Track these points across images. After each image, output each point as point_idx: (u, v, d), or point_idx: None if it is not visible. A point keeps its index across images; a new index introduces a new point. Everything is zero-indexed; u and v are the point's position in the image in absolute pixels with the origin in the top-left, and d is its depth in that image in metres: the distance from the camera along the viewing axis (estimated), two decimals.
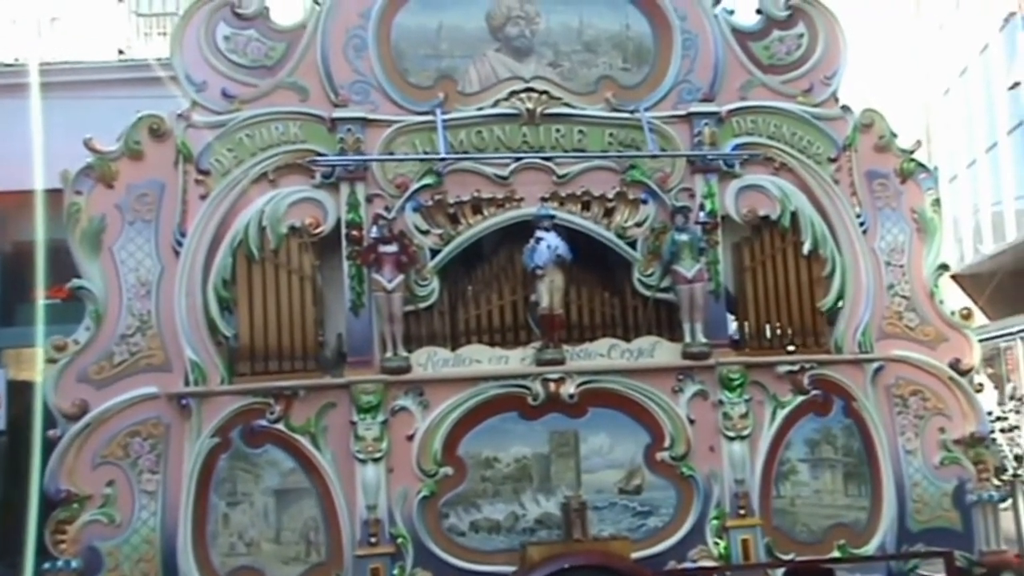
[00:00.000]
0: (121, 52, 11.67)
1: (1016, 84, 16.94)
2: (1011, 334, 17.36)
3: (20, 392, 9.50)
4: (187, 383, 5.14)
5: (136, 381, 5.12)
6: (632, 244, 5.68)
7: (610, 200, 5.67)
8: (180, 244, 5.26)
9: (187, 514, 5.01)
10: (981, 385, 6.00)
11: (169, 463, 5.06)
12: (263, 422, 5.15)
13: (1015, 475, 6.78)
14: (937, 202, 6.04)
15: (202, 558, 5.01)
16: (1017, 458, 6.99)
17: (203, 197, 5.33)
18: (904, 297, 5.85)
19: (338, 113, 5.48)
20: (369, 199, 5.43)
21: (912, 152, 6.04)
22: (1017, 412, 10.30)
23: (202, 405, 5.12)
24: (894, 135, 6.02)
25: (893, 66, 19.63)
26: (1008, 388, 13.99)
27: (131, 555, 4.96)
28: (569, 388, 5.35)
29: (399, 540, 5.13)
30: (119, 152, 5.30)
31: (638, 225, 5.68)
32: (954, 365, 5.82)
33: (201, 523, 5.03)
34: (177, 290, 5.22)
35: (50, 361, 5.08)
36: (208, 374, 5.17)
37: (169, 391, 5.11)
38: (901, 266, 5.88)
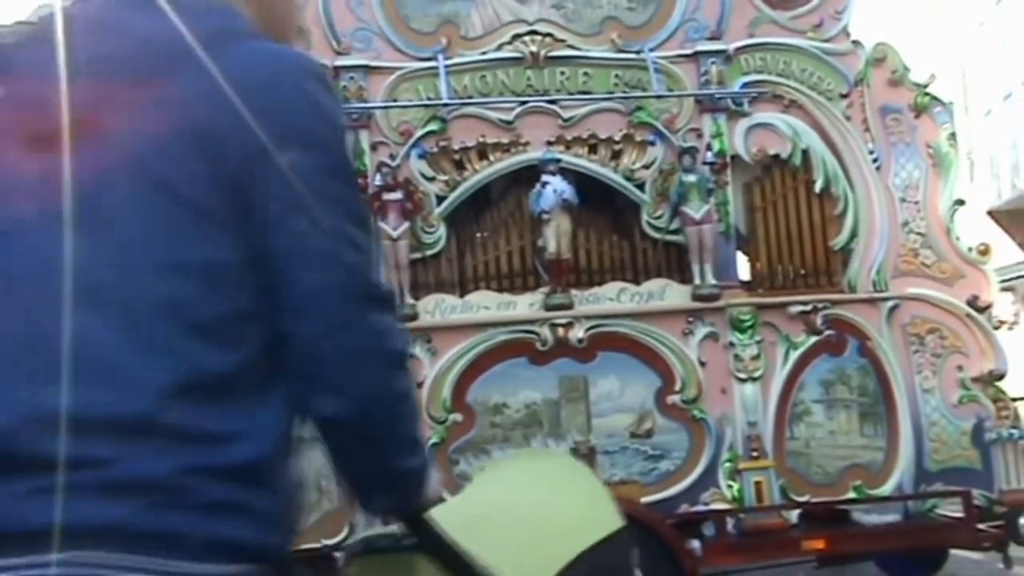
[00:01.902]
0: None
1: None
2: None
3: None
4: None
5: None
6: (640, 186, 5.61)
7: (617, 142, 5.60)
8: None
9: None
10: (1001, 322, 5.90)
11: None
12: None
13: None
14: (953, 136, 5.89)
15: None
16: None
17: None
18: (919, 234, 5.74)
19: (340, 61, 5.44)
20: (373, 147, 5.41)
21: (926, 86, 5.89)
22: None
23: None
24: (907, 69, 5.87)
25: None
26: None
27: None
28: (578, 332, 5.33)
29: None
30: None
31: (646, 167, 5.61)
32: (971, 302, 5.71)
33: None
34: None
35: None
36: None
37: None
38: (916, 202, 5.76)
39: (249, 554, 1.09)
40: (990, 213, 19.34)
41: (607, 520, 1.85)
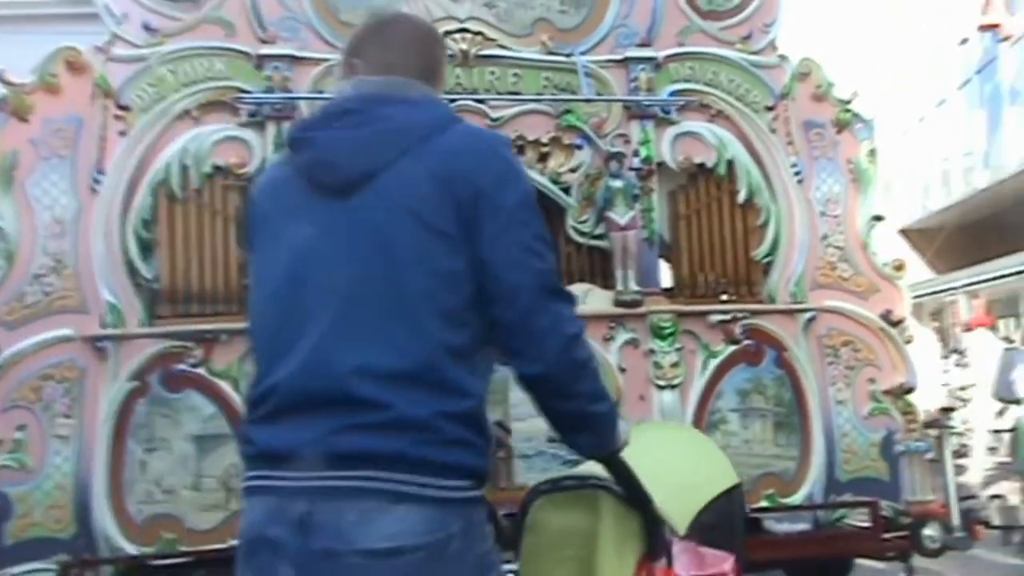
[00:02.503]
0: None
1: (965, 40, 17.02)
2: (956, 288, 17.63)
3: None
4: (103, 326, 4.98)
5: (50, 323, 4.94)
6: (566, 190, 5.59)
7: (544, 145, 5.56)
8: (98, 182, 5.07)
9: (103, 460, 4.88)
10: (912, 336, 6.03)
11: (84, 408, 4.91)
12: (183, 366, 5.02)
13: (943, 425, 6.86)
14: (873, 152, 6.00)
15: (117, 505, 4.88)
16: (944, 409, 7.05)
17: (123, 134, 5.13)
18: (838, 248, 5.82)
19: (266, 50, 5.29)
20: None
21: (849, 102, 5.98)
22: (958, 365, 10.46)
23: (119, 348, 4.97)
24: (831, 84, 5.95)
25: (846, 21, 19.61)
26: (952, 342, 14.23)
27: (43, 501, 4.82)
28: None
29: None
30: (34, 85, 5.08)
31: (572, 171, 5.59)
32: (885, 316, 5.82)
33: (117, 470, 4.91)
34: (95, 229, 5.04)
35: None
36: (126, 317, 5.02)
37: (85, 333, 4.96)
38: (836, 216, 5.85)
39: (472, 475, 1.71)
40: (903, 232, 19.90)
41: (726, 476, 2.49)
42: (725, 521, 2.38)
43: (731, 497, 2.39)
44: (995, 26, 15.20)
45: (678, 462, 2.34)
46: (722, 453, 2.38)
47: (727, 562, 2.30)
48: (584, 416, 1.88)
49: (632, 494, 2.09)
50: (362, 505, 1.62)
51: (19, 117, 5.04)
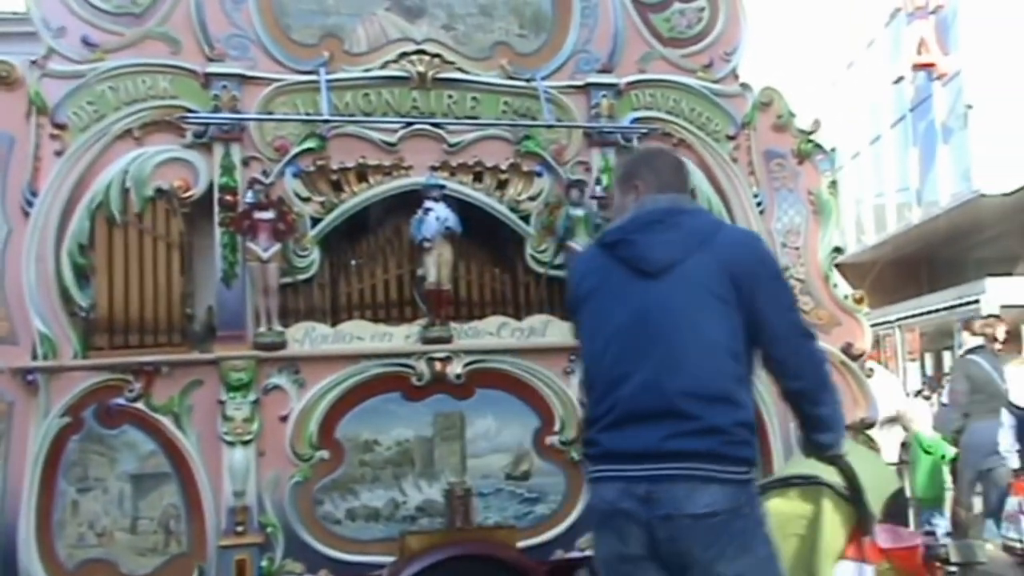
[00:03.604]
0: None
1: (900, 78, 17.37)
2: (890, 322, 17.87)
3: None
4: (35, 357, 4.65)
5: None
6: (525, 218, 5.42)
7: (503, 171, 5.40)
8: (31, 204, 4.76)
9: (31, 502, 4.53)
10: (871, 370, 5.97)
11: (11, 445, 4.57)
12: (121, 400, 4.72)
13: (900, 461, 6.81)
14: (834, 184, 5.96)
15: (46, 550, 4.54)
16: (903, 444, 7.03)
17: (58, 153, 4.84)
18: (799, 280, 5.74)
19: (213, 68, 5.04)
20: (245, 162, 5.03)
21: (810, 133, 5.95)
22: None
23: (51, 381, 4.65)
24: (792, 115, 5.92)
25: (784, 55, 19.91)
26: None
27: None
28: (456, 368, 5.07)
29: (268, 529, 4.77)
30: None
31: (532, 199, 5.43)
32: (846, 350, 5.74)
33: (46, 512, 4.56)
34: (26, 255, 4.71)
35: None
36: (59, 347, 4.69)
37: (13, 365, 4.62)
38: (797, 248, 5.78)
39: (752, 464, 2.55)
40: (837, 266, 20.14)
41: (895, 481, 3.66)
42: (900, 512, 3.41)
43: (900, 495, 3.43)
44: (930, 65, 15.53)
45: (864, 467, 3.00)
46: (885, 463, 3.29)
47: (918, 538, 3.36)
48: (827, 418, 2.71)
49: (850, 486, 2.96)
50: (687, 485, 2.46)
51: None
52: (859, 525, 3.07)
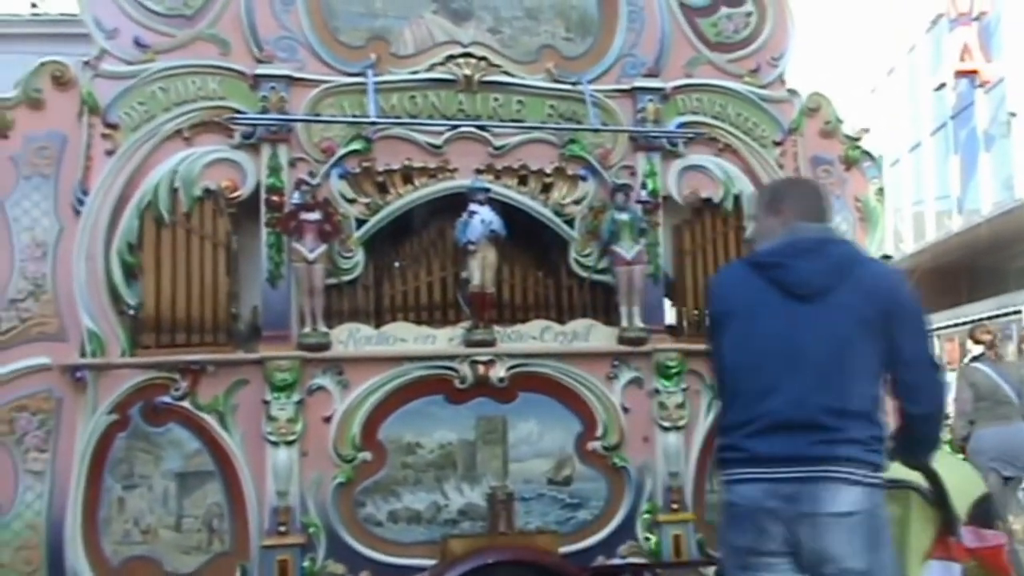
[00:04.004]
0: (34, 6, 11.05)
1: (942, 85, 17.17)
2: (931, 331, 17.63)
3: None
4: (83, 354, 4.70)
5: (26, 350, 4.66)
6: (569, 222, 5.40)
7: (548, 175, 5.38)
8: (81, 203, 4.81)
9: (77, 498, 4.58)
10: None
11: (60, 441, 4.62)
12: (167, 399, 4.75)
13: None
14: (881, 191, 5.90)
15: (92, 547, 4.58)
16: None
17: (109, 153, 4.88)
18: None
19: (261, 69, 5.07)
20: (292, 163, 5.05)
21: (858, 139, 5.89)
22: None
23: (99, 379, 4.69)
24: (840, 121, 5.86)
25: (823, 61, 19.75)
26: None
27: (12, 542, 4.52)
28: (499, 371, 5.05)
29: (311, 530, 4.78)
30: (16, 100, 4.83)
31: (576, 202, 5.41)
32: None
33: (93, 508, 4.61)
34: (76, 253, 4.77)
35: None
36: (107, 345, 4.74)
37: (63, 362, 4.67)
38: None
39: (882, 471, 2.78)
40: None
41: (980, 486, 3.69)
42: (985, 515, 3.49)
43: (986, 499, 3.52)
44: (972, 72, 15.35)
45: (950, 473, 3.30)
46: (971, 468, 3.54)
47: (1003, 538, 3.45)
48: (934, 439, 3.04)
49: (936, 490, 3.25)
50: (830, 486, 2.70)
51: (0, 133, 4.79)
52: (945, 527, 3.29)
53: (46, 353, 4.67)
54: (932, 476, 3.24)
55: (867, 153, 5.88)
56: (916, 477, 3.26)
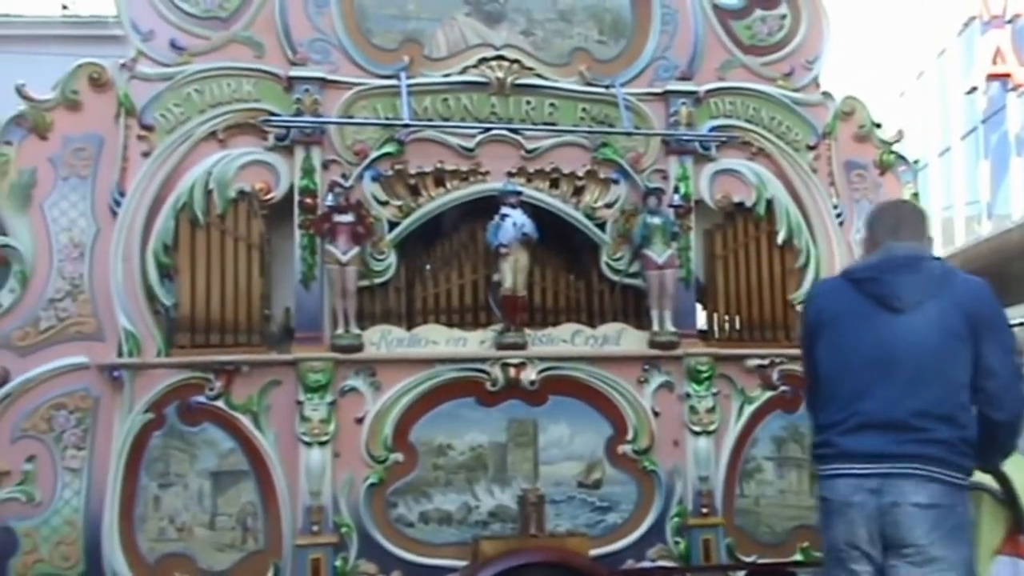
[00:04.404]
0: (64, 7, 11.16)
1: (973, 89, 17.00)
2: None
3: None
4: (120, 354, 4.75)
5: (64, 350, 4.72)
6: (601, 226, 5.40)
7: (580, 178, 5.39)
8: (118, 204, 4.86)
9: (114, 495, 4.64)
10: None
11: (97, 439, 4.68)
12: (201, 398, 4.80)
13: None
14: (916, 196, 5.87)
15: (128, 543, 4.63)
16: None
17: (145, 154, 4.93)
18: None
19: (295, 72, 5.11)
20: (325, 165, 5.08)
21: (892, 144, 5.86)
22: None
23: (135, 378, 4.74)
24: (875, 125, 5.83)
25: (851, 64, 19.60)
26: None
27: (51, 537, 4.58)
28: (530, 374, 5.07)
29: (343, 529, 4.81)
30: (55, 101, 4.90)
31: (608, 206, 5.41)
32: None
33: (129, 505, 4.66)
34: (113, 253, 4.82)
35: None
36: (143, 345, 4.79)
37: (100, 362, 4.72)
38: None
39: (968, 472, 3.00)
40: None
41: None
42: None
43: None
44: (1005, 75, 15.17)
45: (1019, 474, 3.42)
46: None
47: None
48: (1012, 445, 3.16)
49: (1007, 490, 3.42)
50: (913, 481, 2.90)
51: (38, 134, 4.86)
52: (1015, 526, 3.46)
53: (84, 352, 4.73)
54: (1002, 478, 3.39)
55: (902, 157, 5.86)
56: (987, 479, 3.38)
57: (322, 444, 4.81)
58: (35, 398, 4.64)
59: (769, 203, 5.56)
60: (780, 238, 5.57)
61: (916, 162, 5.97)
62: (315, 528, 4.75)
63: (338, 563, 4.77)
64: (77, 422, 4.68)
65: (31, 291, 4.72)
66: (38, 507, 4.59)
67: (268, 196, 5.06)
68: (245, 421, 4.82)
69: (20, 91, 4.86)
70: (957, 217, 19.35)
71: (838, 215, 5.66)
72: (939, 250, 19.83)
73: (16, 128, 4.82)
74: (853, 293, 3.14)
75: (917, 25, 19.93)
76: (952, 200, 19.55)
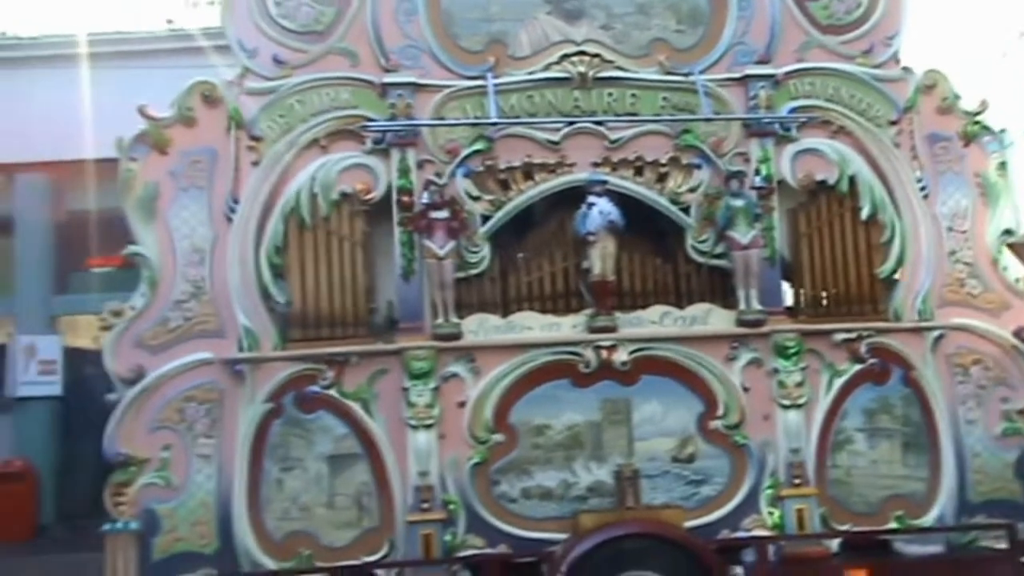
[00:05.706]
0: (170, 22, 11.70)
1: None
2: None
3: (75, 359, 9.67)
4: (240, 349, 5.18)
5: (191, 346, 5.17)
6: (685, 210, 5.59)
7: (663, 165, 5.58)
8: (232, 211, 5.28)
9: (242, 479, 5.07)
10: None
11: (224, 428, 5.12)
12: (315, 388, 5.18)
13: None
14: (1003, 166, 5.85)
15: (256, 522, 5.07)
16: None
17: (255, 164, 5.34)
18: (966, 264, 5.71)
19: (388, 78, 5.44)
20: (420, 165, 5.40)
21: (977, 114, 5.85)
22: None
23: (255, 371, 5.15)
24: (958, 96, 5.84)
25: (951, 28, 19.04)
26: None
27: (188, 517, 5.04)
28: (621, 355, 5.29)
29: (451, 506, 5.14)
30: (172, 119, 5.33)
31: (691, 191, 5.59)
32: (1017, 334, 5.67)
33: (255, 488, 5.09)
34: (230, 257, 5.24)
35: (105, 328, 5.15)
36: (260, 340, 5.20)
37: (223, 357, 5.15)
38: (964, 232, 5.73)
39: None
40: (1010, 246, 19.20)
41: None
42: None
43: None
44: None
45: None
46: None
47: None
48: None
49: None
50: None
51: (159, 150, 5.29)
52: None
53: (208, 349, 5.16)
54: None
55: (987, 128, 5.84)
56: None
57: (428, 427, 5.14)
58: (167, 392, 5.09)
59: (852, 180, 5.65)
60: (864, 214, 5.65)
61: (1003, 131, 5.92)
62: (425, 505, 5.08)
63: (447, 537, 5.10)
64: (206, 413, 5.12)
65: (159, 294, 5.17)
66: (175, 491, 5.04)
67: (368, 196, 5.40)
68: (356, 408, 5.18)
69: (141, 111, 5.29)
70: None
71: (922, 188, 5.71)
72: None
73: (139, 145, 5.27)
74: None
75: None
76: None
